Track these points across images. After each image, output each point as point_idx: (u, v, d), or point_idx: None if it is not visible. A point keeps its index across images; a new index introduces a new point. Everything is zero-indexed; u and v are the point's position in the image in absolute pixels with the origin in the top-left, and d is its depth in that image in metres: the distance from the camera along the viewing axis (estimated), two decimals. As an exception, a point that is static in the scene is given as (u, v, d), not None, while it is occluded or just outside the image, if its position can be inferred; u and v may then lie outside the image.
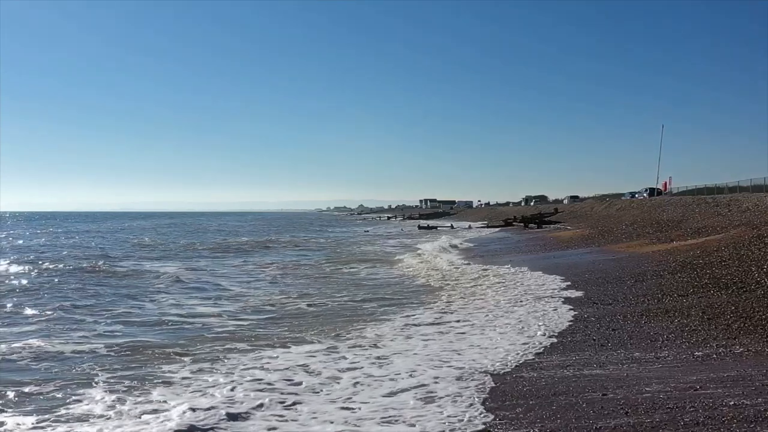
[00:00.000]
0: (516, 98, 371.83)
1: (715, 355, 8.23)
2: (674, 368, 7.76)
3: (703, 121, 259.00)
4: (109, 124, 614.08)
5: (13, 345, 10.49)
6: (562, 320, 11.56)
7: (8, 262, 26.68)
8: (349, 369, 8.81)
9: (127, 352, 10.17)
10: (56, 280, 20.21)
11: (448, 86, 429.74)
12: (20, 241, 46.01)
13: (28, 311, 14.02)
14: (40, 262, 26.48)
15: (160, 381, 8.45)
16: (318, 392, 7.77)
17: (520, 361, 8.74)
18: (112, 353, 10.10)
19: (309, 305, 15.22)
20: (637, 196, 66.52)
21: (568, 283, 16.48)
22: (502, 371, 8.27)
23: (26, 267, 24.30)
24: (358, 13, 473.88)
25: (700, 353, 8.36)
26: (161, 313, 14.16)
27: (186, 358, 9.72)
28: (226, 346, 10.57)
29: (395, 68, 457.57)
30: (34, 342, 10.73)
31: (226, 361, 9.51)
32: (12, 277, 21.07)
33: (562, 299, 14.01)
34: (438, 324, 12.10)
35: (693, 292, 12.81)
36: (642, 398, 6.56)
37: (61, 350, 10.22)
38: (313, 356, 9.67)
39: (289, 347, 10.40)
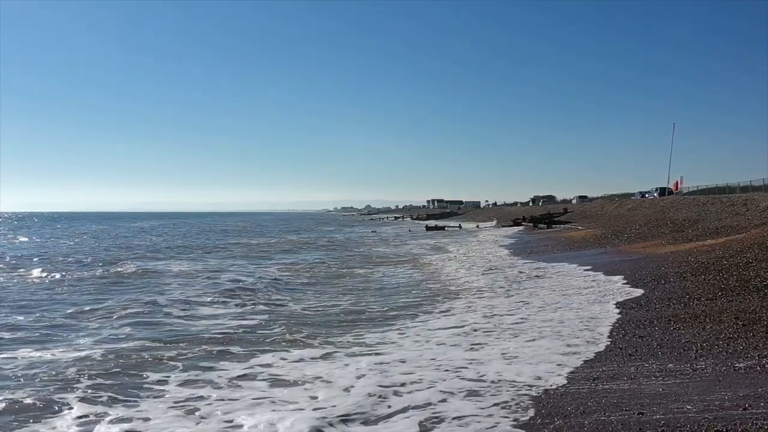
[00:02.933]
0: (523, 98, 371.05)
1: (759, 368, 7.39)
2: (715, 382, 6.95)
3: (708, 121, 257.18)
4: (109, 124, 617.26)
5: (3, 355, 9.77)
6: (586, 325, 10.76)
7: (31, 265, 26.15)
8: (344, 378, 8.07)
9: (120, 359, 9.48)
10: (69, 284, 19.51)
11: (454, 87, 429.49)
12: (30, 239, 45.58)
13: (31, 317, 13.21)
14: (55, 266, 25.95)
15: (147, 394, 7.75)
16: (291, 411, 6.98)
17: (541, 373, 7.95)
18: (105, 360, 9.41)
19: (316, 308, 14.48)
20: (647, 195, 65.35)
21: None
22: (522, 385, 7.49)
23: (42, 271, 23.69)
24: (362, 14, 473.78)
25: (741, 365, 7.53)
26: (167, 314, 13.64)
27: (180, 365, 9.09)
28: (218, 349, 10.06)
29: (401, 68, 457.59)
30: (26, 351, 10.04)
31: (217, 369, 8.82)
32: (27, 282, 20.44)
33: (586, 302, 13.21)
34: (455, 328, 11.34)
35: (721, 295, 11.97)
36: (684, 419, 5.76)
37: (55, 358, 9.55)
38: (308, 363, 9.01)
39: (290, 352, 9.77)
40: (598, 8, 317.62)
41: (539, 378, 7.69)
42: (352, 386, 7.75)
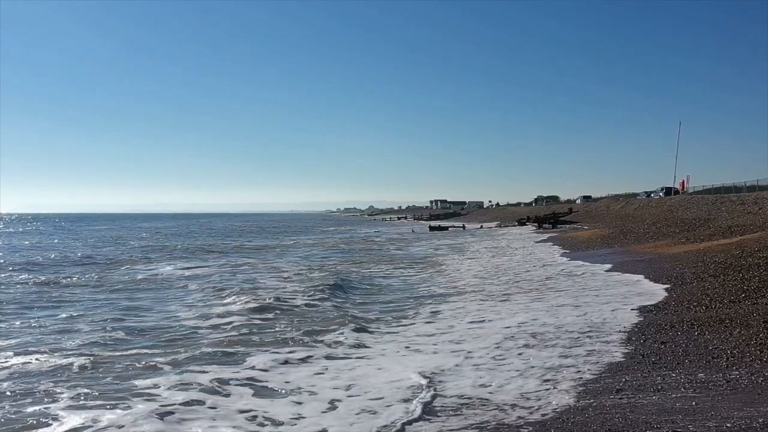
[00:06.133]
0: (527, 99, 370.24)
1: (799, 378, 6.70)
2: (753, 395, 6.25)
3: (712, 121, 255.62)
4: (110, 125, 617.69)
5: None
6: (600, 329, 10.06)
7: (36, 268, 25.63)
8: (312, 393, 7.50)
9: (114, 361, 9.06)
10: (72, 286, 18.87)
11: (457, 87, 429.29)
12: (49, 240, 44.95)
13: (28, 321, 12.56)
14: (62, 268, 25.63)
15: (130, 396, 7.13)
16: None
17: (554, 384, 7.26)
18: (97, 363, 8.96)
19: (320, 310, 13.84)
20: (652, 195, 64.44)
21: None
22: (529, 396, 6.82)
23: (46, 274, 23.24)
24: (366, 14, 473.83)
25: (780, 375, 6.83)
26: (166, 315, 13.21)
27: (172, 369, 8.61)
28: (213, 351, 9.66)
29: (405, 69, 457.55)
30: (24, 352, 9.52)
31: (209, 373, 8.25)
32: (29, 284, 19.75)
33: (599, 304, 12.52)
34: (446, 333, 10.68)
35: (745, 297, 11.26)
36: (726, 439, 5.08)
37: (42, 364, 8.97)
38: (294, 369, 8.42)
39: (289, 355, 9.17)
40: (599, 8, 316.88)
41: (548, 392, 6.99)
42: (339, 400, 7.16)
